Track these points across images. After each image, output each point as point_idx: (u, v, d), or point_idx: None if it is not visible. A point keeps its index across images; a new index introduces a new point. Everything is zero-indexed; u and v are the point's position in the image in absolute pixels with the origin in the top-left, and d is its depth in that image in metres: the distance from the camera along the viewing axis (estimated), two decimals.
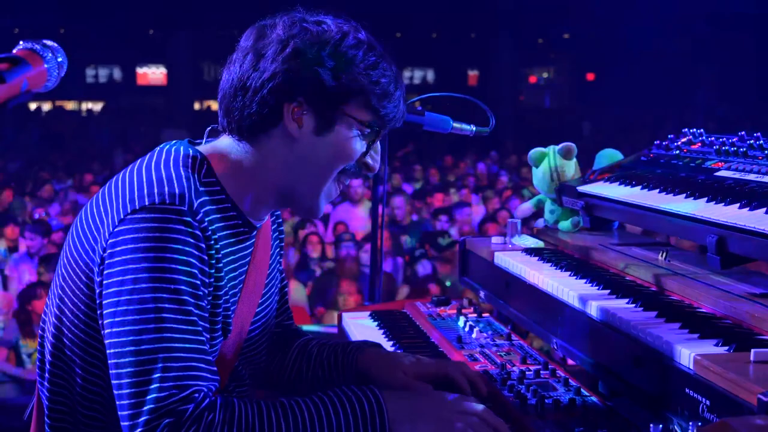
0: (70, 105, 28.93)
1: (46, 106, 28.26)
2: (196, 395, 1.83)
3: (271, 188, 2.08)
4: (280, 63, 1.97)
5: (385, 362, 2.33)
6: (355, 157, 2.07)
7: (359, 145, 2.06)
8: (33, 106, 26.96)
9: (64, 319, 2.05)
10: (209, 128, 2.16)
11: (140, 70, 29.32)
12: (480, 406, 1.99)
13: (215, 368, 1.92)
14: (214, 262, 1.96)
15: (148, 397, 1.81)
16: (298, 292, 7.97)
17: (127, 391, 1.83)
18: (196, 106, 26.41)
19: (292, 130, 2.01)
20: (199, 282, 1.90)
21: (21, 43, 1.53)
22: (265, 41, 2.00)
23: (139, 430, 1.80)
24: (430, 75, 30.23)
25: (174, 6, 22.93)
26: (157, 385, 1.81)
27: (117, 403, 1.85)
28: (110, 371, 1.88)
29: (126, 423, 1.83)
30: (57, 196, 12.61)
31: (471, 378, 2.27)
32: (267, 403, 1.89)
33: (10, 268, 8.82)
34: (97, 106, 28.83)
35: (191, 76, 26.08)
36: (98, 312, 1.94)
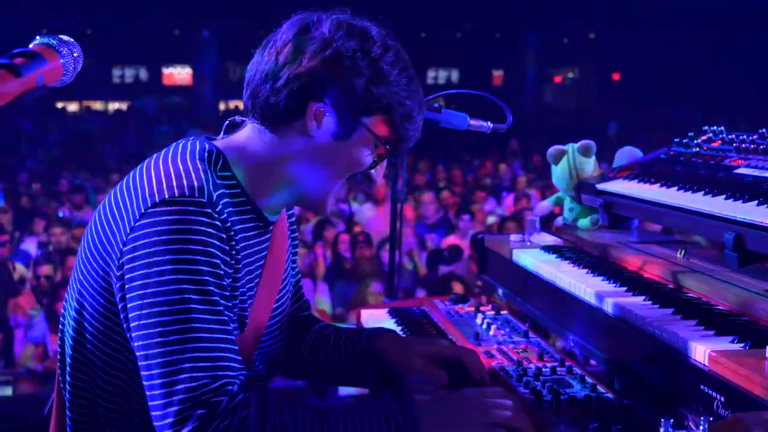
0: (96, 105, 29.13)
1: (73, 106, 28.46)
2: (229, 387, 1.84)
3: (284, 182, 2.10)
4: (318, 62, 1.98)
5: (400, 347, 2.35)
6: (363, 168, 2.10)
7: (370, 158, 2.09)
8: (60, 105, 27.16)
9: (84, 313, 2.07)
10: (227, 121, 2.18)
11: (166, 71, 29.47)
12: (509, 404, 1.98)
13: (241, 358, 1.93)
14: (234, 253, 1.98)
15: (180, 387, 1.82)
16: (323, 292, 8.00)
17: (159, 381, 1.84)
18: (222, 106, 26.52)
19: (310, 128, 2.02)
20: (222, 272, 1.92)
21: (37, 38, 1.55)
22: (307, 36, 2.01)
23: (171, 419, 1.81)
24: (455, 75, 30.19)
25: (199, 6, 23.04)
26: (188, 375, 1.82)
27: (147, 393, 1.87)
28: (139, 363, 1.89)
29: (158, 412, 1.84)
30: (85, 197, 12.71)
31: (481, 365, 2.30)
32: (303, 407, 1.89)
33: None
34: (123, 106, 29.00)
35: (217, 77, 26.18)
36: (119, 306, 1.96)
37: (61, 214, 11.13)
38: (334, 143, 2.04)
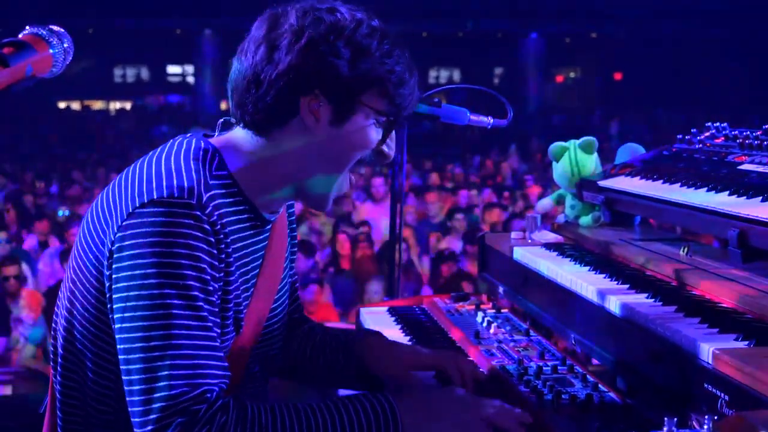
0: (98, 104, 29.13)
1: (75, 106, 28.47)
2: (209, 395, 1.81)
3: (284, 180, 2.05)
4: (295, 55, 1.92)
5: (383, 351, 2.33)
6: (372, 146, 2.04)
7: (375, 134, 2.03)
8: (62, 105, 27.17)
9: (74, 311, 2.04)
10: (221, 120, 2.13)
11: (167, 70, 29.49)
12: (495, 404, 1.96)
13: (226, 364, 1.90)
14: (224, 256, 1.93)
15: (159, 395, 1.79)
16: (324, 291, 7.96)
17: (138, 387, 1.81)
18: (223, 105, 26.50)
19: (308, 123, 1.97)
20: (209, 277, 1.87)
21: (27, 27, 1.52)
22: (278, 31, 1.95)
23: (150, 427, 1.78)
24: (457, 74, 30.19)
25: (201, 5, 23.03)
26: (167, 382, 1.79)
27: (128, 399, 1.84)
28: (121, 366, 1.86)
29: (137, 419, 1.81)
30: (84, 195, 12.71)
31: (463, 369, 2.26)
32: (281, 407, 1.87)
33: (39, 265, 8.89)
34: (125, 106, 29.01)
35: (218, 75, 26.16)
36: (108, 306, 1.93)
37: (61, 213, 11.11)
38: (335, 130, 1.98)
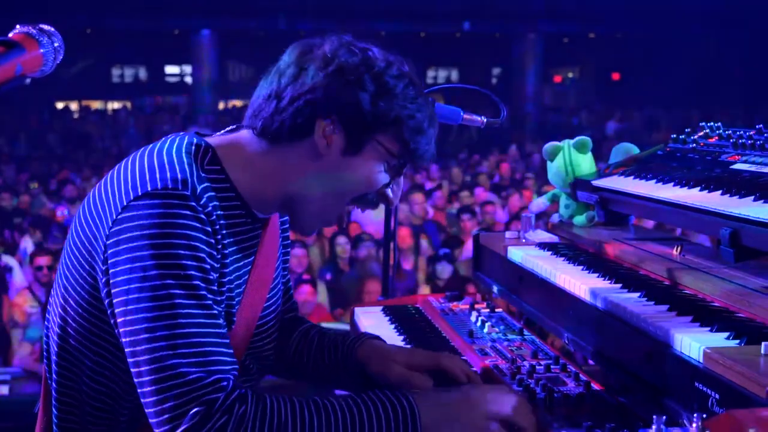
0: (96, 104, 29.10)
1: (73, 106, 28.44)
2: (224, 383, 1.81)
3: (279, 191, 2.06)
4: (321, 78, 1.95)
5: (381, 354, 2.32)
6: (376, 187, 2.06)
7: (382, 176, 2.05)
8: (60, 105, 27.14)
9: (68, 308, 2.04)
10: (232, 127, 2.15)
11: (165, 70, 29.47)
12: (512, 400, 1.97)
13: (233, 352, 1.90)
14: (220, 247, 1.94)
15: (172, 383, 1.78)
16: (319, 293, 7.96)
17: (148, 378, 1.81)
18: (221, 105, 26.48)
19: (319, 146, 1.99)
20: (208, 266, 1.88)
21: (17, 27, 1.52)
22: (309, 56, 1.99)
23: (167, 416, 1.78)
24: (454, 75, 30.19)
25: (199, 5, 23.00)
26: (179, 370, 1.78)
27: (140, 391, 1.84)
28: (128, 360, 1.86)
29: (151, 410, 1.80)
30: (81, 196, 12.69)
31: (464, 371, 2.26)
32: (300, 400, 1.87)
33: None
34: (122, 106, 28.98)
35: (216, 76, 26.14)
36: (106, 301, 1.92)
37: (60, 214, 11.09)
38: (343, 160, 2.00)
